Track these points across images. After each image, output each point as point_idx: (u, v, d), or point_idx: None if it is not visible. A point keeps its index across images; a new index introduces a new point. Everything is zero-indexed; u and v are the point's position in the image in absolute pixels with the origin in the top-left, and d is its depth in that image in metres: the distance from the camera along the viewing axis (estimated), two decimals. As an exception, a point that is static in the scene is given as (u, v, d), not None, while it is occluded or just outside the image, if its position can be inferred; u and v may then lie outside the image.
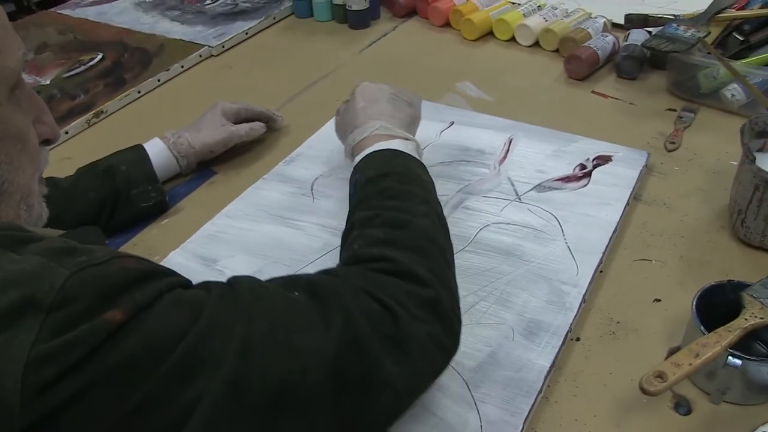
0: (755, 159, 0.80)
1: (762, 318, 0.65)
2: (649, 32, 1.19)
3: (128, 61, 1.34)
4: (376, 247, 0.62)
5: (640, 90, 1.16)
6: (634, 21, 1.26)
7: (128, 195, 0.91)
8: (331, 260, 0.84)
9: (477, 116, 1.09)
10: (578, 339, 0.74)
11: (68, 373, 0.42)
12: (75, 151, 1.08)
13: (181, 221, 0.94)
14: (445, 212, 0.88)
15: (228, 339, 0.48)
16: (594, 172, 0.95)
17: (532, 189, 0.93)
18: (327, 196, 0.94)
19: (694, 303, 0.68)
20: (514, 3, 1.40)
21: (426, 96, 1.14)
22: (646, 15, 1.25)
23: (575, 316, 0.75)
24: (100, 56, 1.36)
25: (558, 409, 0.68)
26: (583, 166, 0.96)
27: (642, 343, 0.73)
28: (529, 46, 1.32)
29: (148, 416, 0.45)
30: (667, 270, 0.82)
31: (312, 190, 0.96)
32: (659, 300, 0.78)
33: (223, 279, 0.80)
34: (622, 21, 1.29)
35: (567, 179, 0.94)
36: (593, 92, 1.17)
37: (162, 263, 0.84)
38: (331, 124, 1.07)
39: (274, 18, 1.49)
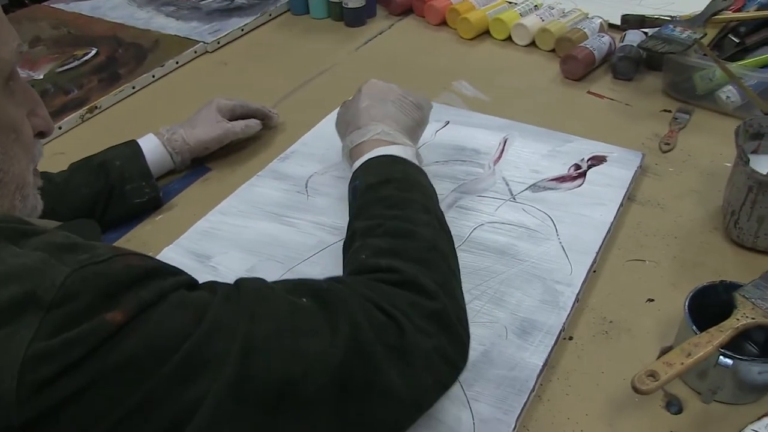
0: (749, 161, 0.80)
1: (753, 318, 0.65)
2: (646, 33, 1.19)
3: (123, 57, 1.34)
4: (382, 257, 0.61)
5: (636, 91, 1.16)
6: (631, 22, 1.26)
7: (122, 191, 0.91)
8: (325, 258, 0.84)
9: (472, 115, 1.09)
10: (571, 338, 0.74)
11: (68, 371, 0.42)
12: (68, 146, 1.08)
13: (175, 217, 0.94)
14: (440, 211, 0.89)
15: (231, 340, 0.48)
16: (589, 173, 0.95)
17: (526, 189, 0.93)
18: (322, 193, 0.94)
19: (687, 303, 0.68)
20: (510, 2, 1.40)
21: (422, 95, 1.14)
22: (643, 16, 1.25)
23: (568, 316, 0.75)
24: (94, 51, 1.36)
25: (550, 407, 0.68)
26: (577, 167, 0.96)
27: (635, 343, 0.73)
28: (526, 46, 1.32)
29: (150, 416, 0.45)
30: (661, 270, 0.82)
31: (306, 187, 0.96)
32: (652, 300, 0.78)
33: (217, 275, 0.82)
34: (618, 22, 1.29)
35: (562, 179, 0.94)
36: (589, 92, 1.17)
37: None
38: (326, 122, 1.07)
39: (270, 14, 1.49)
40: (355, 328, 0.53)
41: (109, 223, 0.91)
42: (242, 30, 1.43)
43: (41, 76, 1.28)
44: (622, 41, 1.22)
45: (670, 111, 1.10)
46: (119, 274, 0.46)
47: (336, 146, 0.87)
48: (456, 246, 0.83)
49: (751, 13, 1.13)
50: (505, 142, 1.02)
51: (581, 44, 1.21)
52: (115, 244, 0.90)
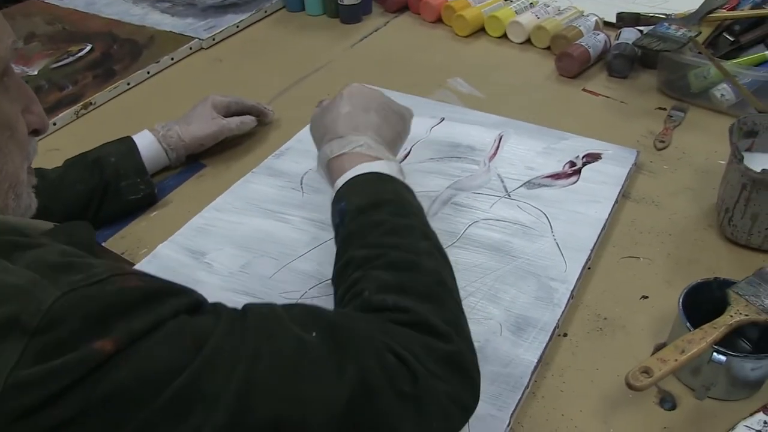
0: (743, 158, 0.80)
1: (747, 315, 0.65)
2: (641, 31, 1.19)
3: (118, 53, 1.33)
4: (388, 293, 0.57)
5: (631, 88, 1.16)
6: (626, 19, 1.26)
7: (117, 187, 0.91)
8: (320, 254, 0.84)
9: (468, 112, 1.09)
10: (566, 335, 0.75)
11: (51, 402, 0.40)
12: (63, 142, 1.08)
13: (170, 214, 0.94)
14: (435, 208, 0.89)
15: (229, 377, 0.45)
16: (583, 170, 0.95)
17: (521, 186, 0.93)
18: (316, 190, 0.94)
19: (681, 300, 0.68)
20: (506, 0, 1.40)
21: (417, 92, 1.15)
22: (638, 14, 1.25)
23: (563, 312, 0.75)
24: (89, 47, 1.35)
25: (545, 404, 0.68)
26: (572, 164, 0.96)
27: (629, 340, 0.74)
28: (521, 44, 1.32)
29: None
30: (655, 267, 0.82)
31: (301, 184, 0.96)
32: (646, 297, 0.78)
33: (212, 272, 0.82)
34: (613, 19, 1.29)
35: (557, 176, 0.94)
36: (584, 90, 1.17)
37: (150, 256, 0.85)
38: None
39: (266, 11, 1.49)
40: (364, 373, 0.50)
41: (104, 219, 0.91)
42: (237, 26, 1.43)
43: (36, 72, 1.28)
44: (617, 39, 1.22)
45: (664, 109, 1.10)
46: (111, 299, 0.43)
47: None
48: (451, 243, 0.84)
49: (745, 11, 1.13)
50: (500, 139, 1.02)
51: (576, 42, 1.21)
52: (109, 240, 0.90)
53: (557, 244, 0.83)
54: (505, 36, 1.34)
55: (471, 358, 0.57)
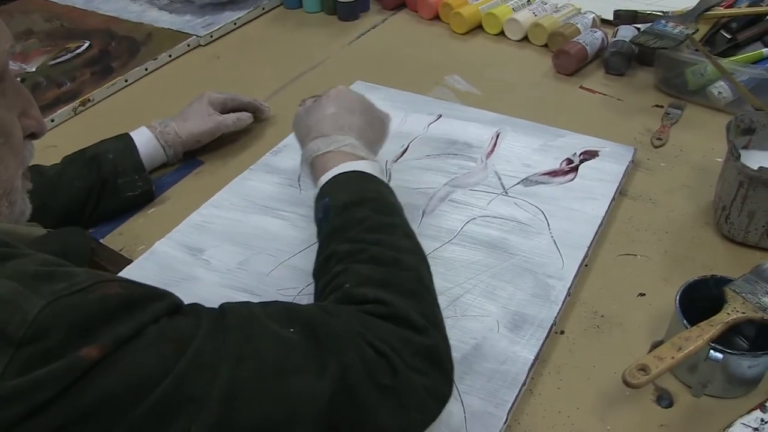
0: (740, 156, 0.81)
1: (744, 313, 0.65)
2: (638, 28, 1.19)
3: (115, 50, 1.33)
4: (368, 287, 0.58)
5: (628, 86, 1.16)
6: (623, 17, 1.26)
7: (115, 184, 0.90)
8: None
9: (465, 110, 1.09)
10: (563, 332, 0.75)
11: (38, 412, 0.40)
12: (61, 139, 1.07)
13: (168, 211, 0.94)
14: (432, 205, 0.89)
15: (212, 380, 0.46)
16: (581, 167, 0.95)
17: (518, 183, 0.93)
18: (314, 187, 0.94)
19: (678, 297, 0.69)
20: (503, -3, 1.40)
21: (414, 89, 1.15)
22: (635, 11, 1.25)
23: (560, 310, 0.75)
24: (87, 44, 1.35)
25: (542, 401, 0.68)
26: (569, 161, 0.96)
27: (626, 337, 0.74)
28: (518, 41, 1.32)
29: None
30: (652, 265, 0.82)
31: (299, 181, 0.96)
32: (643, 294, 0.78)
33: (209, 269, 0.82)
34: (611, 17, 1.29)
35: (554, 173, 0.94)
36: (581, 87, 1.17)
37: (148, 253, 0.85)
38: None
39: (263, 8, 1.49)
40: (344, 368, 0.51)
41: (102, 216, 0.91)
42: (235, 24, 1.43)
43: (34, 69, 1.28)
44: (615, 36, 1.22)
45: (662, 106, 1.10)
46: (95, 307, 0.44)
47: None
48: (448, 240, 0.84)
49: (742, 9, 1.13)
50: (497, 136, 1.02)
51: (574, 39, 1.21)
52: (107, 237, 0.90)
53: (554, 241, 0.83)
54: (502, 33, 1.34)
55: (446, 352, 0.58)
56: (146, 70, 1.28)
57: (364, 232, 0.64)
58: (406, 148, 1.00)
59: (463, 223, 0.87)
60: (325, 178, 0.71)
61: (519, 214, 0.88)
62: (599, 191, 0.90)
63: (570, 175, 0.94)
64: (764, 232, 0.81)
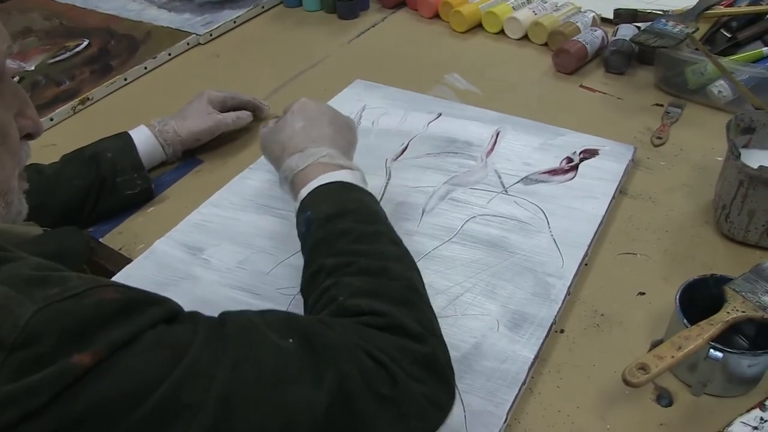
0: (740, 155, 0.80)
1: (743, 312, 0.65)
2: (638, 27, 1.19)
3: (115, 48, 1.33)
4: (361, 298, 0.58)
5: (628, 85, 1.16)
6: (623, 16, 1.26)
7: (114, 183, 0.90)
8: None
9: (465, 108, 1.09)
10: (562, 331, 0.75)
11: (30, 418, 0.40)
12: (60, 137, 1.07)
13: (167, 210, 0.94)
14: (432, 204, 0.89)
15: (209, 387, 0.46)
16: (581, 166, 0.95)
17: (518, 181, 0.93)
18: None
19: (678, 296, 0.69)
20: (503, -4, 1.40)
21: (414, 87, 1.15)
22: (635, 10, 1.25)
23: (560, 308, 0.75)
24: (86, 43, 1.35)
25: (542, 400, 0.68)
26: (569, 160, 0.96)
27: (626, 336, 0.74)
28: (518, 39, 1.32)
29: None
30: (652, 264, 0.82)
31: (299, 180, 0.95)
32: (643, 293, 0.78)
33: (209, 268, 0.82)
34: (611, 16, 1.29)
35: (554, 172, 0.94)
36: (581, 86, 1.17)
37: (147, 252, 0.85)
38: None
39: (263, 7, 1.49)
40: (341, 378, 0.51)
41: (101, 215, 0.91)
42: (234, 22, 1.43)
43: (32, 68, 1.28)
44: (615, 35, 1.22)
45: (662, 105, 1.10)
46: (89, 312, 0.43)
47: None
48: (448, 239, 0.84)
49: (743, 8, 1.13)
50: (497, 134, 1.02)
51: (574, 38, 1.21)
52: (106, 236, 0.90)
53: (554, 240, 0.83)
54: (502, 32, 1.34)
55: (446, 359, 0.58)
56: (145, 68, 1.28)
57: (350, 243, 0.64)
58: (406, 147, 1.00)
59: (463, 222, 0.87)
60: (305, 192, 0.71)
61: (519, 213, 0.88)
62: (599, 190, 0.90)
63: (570, 174, 0.94)
64: (764, 231, 0.81)
